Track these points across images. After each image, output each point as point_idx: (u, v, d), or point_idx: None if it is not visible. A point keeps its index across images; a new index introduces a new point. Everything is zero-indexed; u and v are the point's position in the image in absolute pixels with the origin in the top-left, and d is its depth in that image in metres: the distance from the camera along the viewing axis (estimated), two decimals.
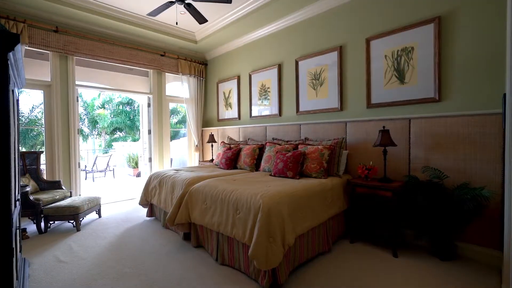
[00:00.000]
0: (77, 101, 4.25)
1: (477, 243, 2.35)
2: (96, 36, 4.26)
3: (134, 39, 4.69)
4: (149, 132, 5.19)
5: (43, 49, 3.81)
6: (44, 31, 3.79)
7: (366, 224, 2.67)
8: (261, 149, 3.86)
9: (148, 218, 3.65)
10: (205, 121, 5.83)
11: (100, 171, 8.44)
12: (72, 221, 3.22)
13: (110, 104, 14.52)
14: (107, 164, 8.61)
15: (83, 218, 3.36)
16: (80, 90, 4.53)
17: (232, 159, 3.90)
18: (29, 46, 3.66)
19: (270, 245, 1.86)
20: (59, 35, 3.91)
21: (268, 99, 4.36)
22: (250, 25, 4.25)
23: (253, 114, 4.66)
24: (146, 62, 4.84)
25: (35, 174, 3.68)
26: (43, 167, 4.00)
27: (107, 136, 15.07)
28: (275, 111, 4.22)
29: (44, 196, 3.30)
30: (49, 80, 3.97)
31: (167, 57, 5.12)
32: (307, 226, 2.23)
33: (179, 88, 5.52)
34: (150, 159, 5.20)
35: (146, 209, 3.80)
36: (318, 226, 2.43)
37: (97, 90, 6.46)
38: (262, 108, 4.48)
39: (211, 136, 5.05)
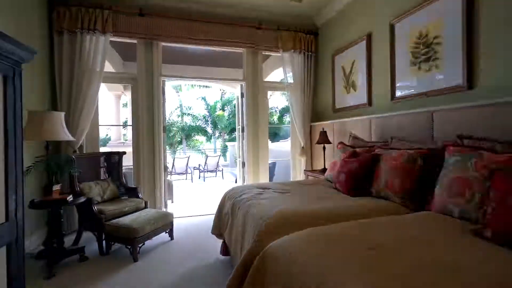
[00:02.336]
0: (163, 93, 3.65)
1: None
2: (182, 15, 3.51)
3: (224, 12, 3.69)
4: (242, 129, 4.09)
5: (127, 37, 3.36)
6: (127, 16, 3.31)
7: None
8: (426, 158, 1.84)
9: (222, 257, 2.44)
10: (315, 113, 4.19)
11: (211, 171, 8.46)
12: (129, 247, 2.43)
13: (229, 106, 15.31)
14: (217, 164, 8.56)
15: (143, 244, 2.51)
16: (171, 83, 3.98)
17: (359, 176, 2.09)
18: (113, 35, 3.26)
19: None
20: (141, 18, 3.35)
21: (436, 58, 2.23)
22: None
23: (398, 94, 2.63)
24: (239, 39, 3.74)
25: (117, 177, 3.25)
26: (126, 170, 3.61)
27: (226, 136, 16.03)
28: (456, 80, 2.05)
29: (110, 208, 2.68)
30: (135, 72, 3.53)
31: (264, 29, 3.85)
32: None
33: (280, 75, 4.13)
34: (243, 164, 4.10)
35: (221, 241, 2.60)
36: None
37: (183, 81, 6.11)
38: (423, 77, 2.38)
39: (323, 133, 3.38)
